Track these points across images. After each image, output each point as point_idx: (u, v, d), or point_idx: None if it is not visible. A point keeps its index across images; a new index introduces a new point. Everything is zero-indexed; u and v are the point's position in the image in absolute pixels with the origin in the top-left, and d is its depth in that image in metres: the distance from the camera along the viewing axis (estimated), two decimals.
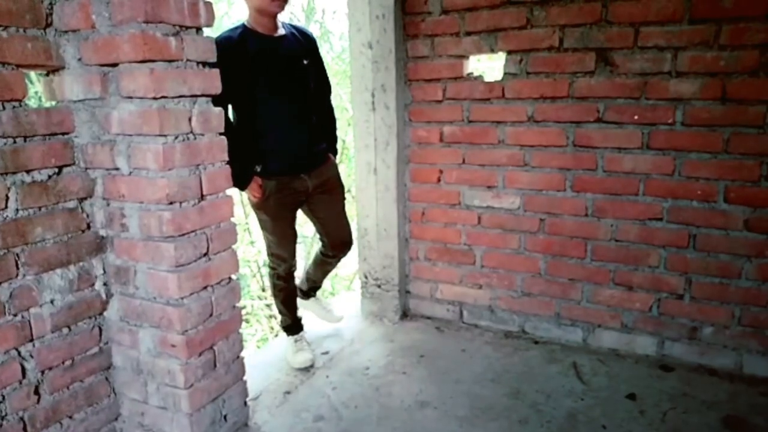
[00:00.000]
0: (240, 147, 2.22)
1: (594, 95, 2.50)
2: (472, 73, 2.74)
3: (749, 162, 2.29)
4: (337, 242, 2.71)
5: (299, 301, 2.86)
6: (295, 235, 2.61)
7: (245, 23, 2.31)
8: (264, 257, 6.42)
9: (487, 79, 2.71)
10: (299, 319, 2.80)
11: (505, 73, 2.65)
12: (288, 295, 2.74)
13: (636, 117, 2.44)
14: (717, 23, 2.23)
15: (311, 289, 2.98)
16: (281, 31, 2.36)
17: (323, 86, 2.58)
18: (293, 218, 2.57)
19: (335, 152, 2.67)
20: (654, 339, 2.61)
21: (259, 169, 2.38)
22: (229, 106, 2.25)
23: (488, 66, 2.73)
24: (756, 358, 2.43)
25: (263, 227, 2.57)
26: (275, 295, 2.75)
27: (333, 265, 2.89)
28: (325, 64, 2.60)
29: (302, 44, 2.42)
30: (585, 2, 2.42)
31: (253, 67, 2.26)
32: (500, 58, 2.66)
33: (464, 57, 2.73)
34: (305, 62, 2.40)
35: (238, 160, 2.15)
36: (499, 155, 2.75)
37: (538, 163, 2.68)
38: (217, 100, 1.89)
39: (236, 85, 2.18)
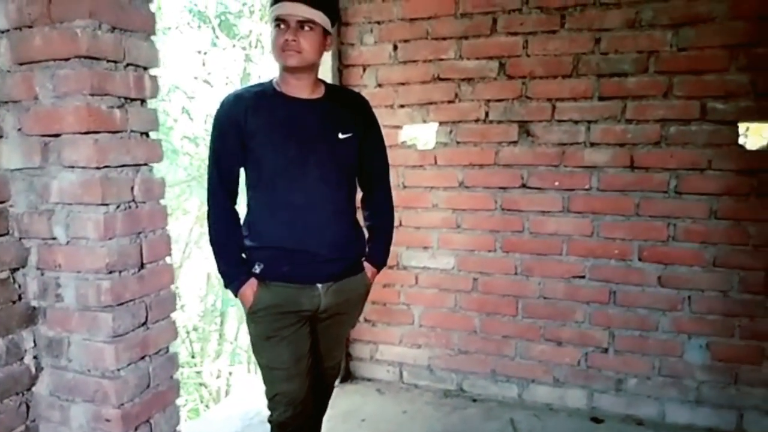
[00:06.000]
0: (237, 237, 1.81)
1: (518, 163, 2.70)
2: (405, 142, 2.90)
3: (658, 224, 2.53)
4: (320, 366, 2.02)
5: None
6: (301, 361, 1.84)
7: (273, 80, 1.81)
8: (196, 321, 6.24)
9: (420, 147, 2.87)
10: None
11: (436, 142, 2.82)
12: None
13: (556, 183, 2.65)
14: (623, 100, 2.51)
15: None
16: (317, 95, 1.79)
17: (374, 170, 1.94)
18: (299, 338, 1.83)
19: (380, 262, 2.00)
20: (584, 392, 2.73)
21: (258, 270, 1.79)
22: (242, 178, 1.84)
23: (421, 135, 2.89)
24: (676, 406, 2.59)
25: (252, 343, 1.90)
26: None
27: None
28: (383, 144, 1.96)
29: (344, 113, 1.82)
30: (507, 80, 2.65)
31: (260, 134, 1.74)
32: (432, 128, 2.84)
33: (399, 127, 2.88)
34: (342, 136, 1.78)
35: (231, 254, 1.81)
36: (433, 218, 2.89)
37: (469, 226, 2.83)
38: (217, 174, 1.78)
39: (236, 156, 1.77)
